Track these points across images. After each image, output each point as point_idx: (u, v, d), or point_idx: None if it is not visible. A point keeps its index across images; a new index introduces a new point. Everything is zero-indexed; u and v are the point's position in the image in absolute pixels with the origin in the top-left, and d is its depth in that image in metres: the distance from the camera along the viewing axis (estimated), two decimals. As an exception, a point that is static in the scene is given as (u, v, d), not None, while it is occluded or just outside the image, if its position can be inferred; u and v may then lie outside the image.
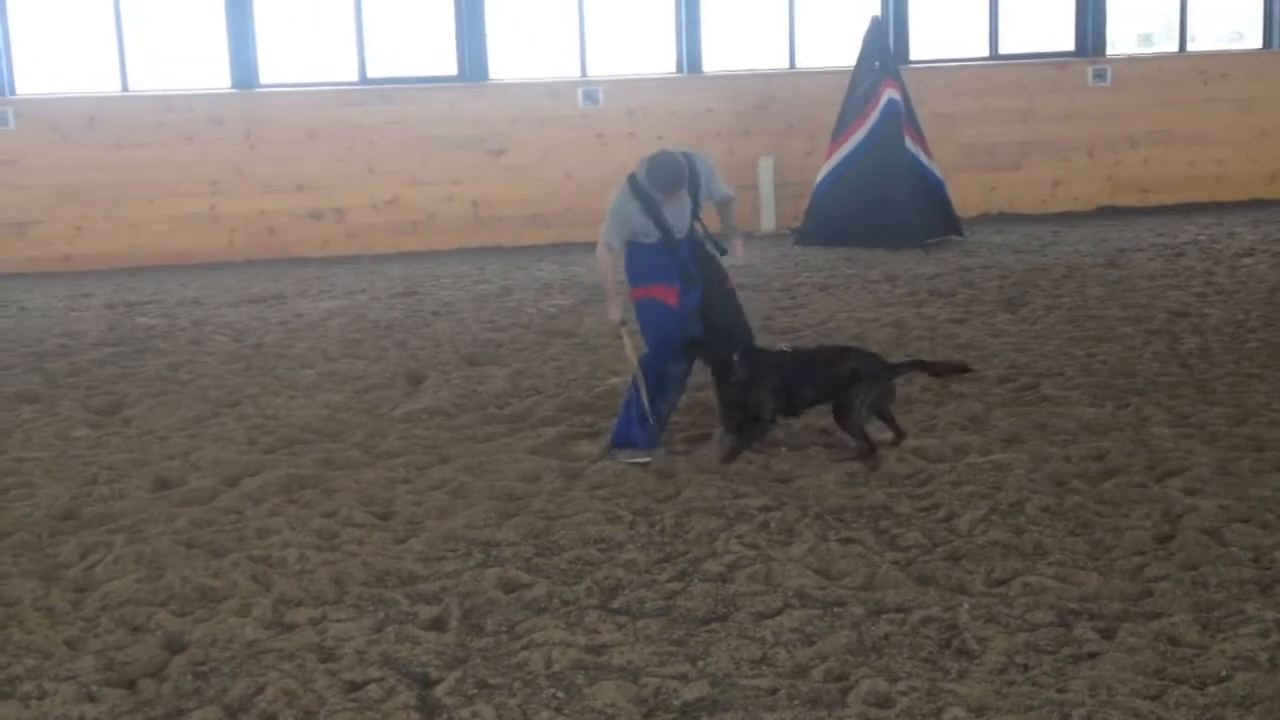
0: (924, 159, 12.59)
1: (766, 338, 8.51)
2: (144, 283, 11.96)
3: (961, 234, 12.75)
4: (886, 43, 13.15)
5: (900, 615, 4.23)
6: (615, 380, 7.42)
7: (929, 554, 4.77)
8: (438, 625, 4.31)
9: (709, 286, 6.36)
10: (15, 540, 5.15)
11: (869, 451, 5.87)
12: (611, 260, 6.29)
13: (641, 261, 6.31)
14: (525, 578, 4.67)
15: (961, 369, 6.76)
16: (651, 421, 6.12)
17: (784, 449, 6.10)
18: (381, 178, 13.58)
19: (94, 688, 3.86)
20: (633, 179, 6.36)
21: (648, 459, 6.02)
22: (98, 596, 4.55)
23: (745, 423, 6.01)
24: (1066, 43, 15.00)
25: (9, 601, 4.55)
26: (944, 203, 12.75)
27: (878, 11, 13.85)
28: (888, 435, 6.07)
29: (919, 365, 6.54)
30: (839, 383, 5.96)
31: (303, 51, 13.89)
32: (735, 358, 5.97)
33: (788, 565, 4.67)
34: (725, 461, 5.93)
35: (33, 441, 6.67)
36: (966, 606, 4.27)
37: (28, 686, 3.87)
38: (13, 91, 13.08)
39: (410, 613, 4.40)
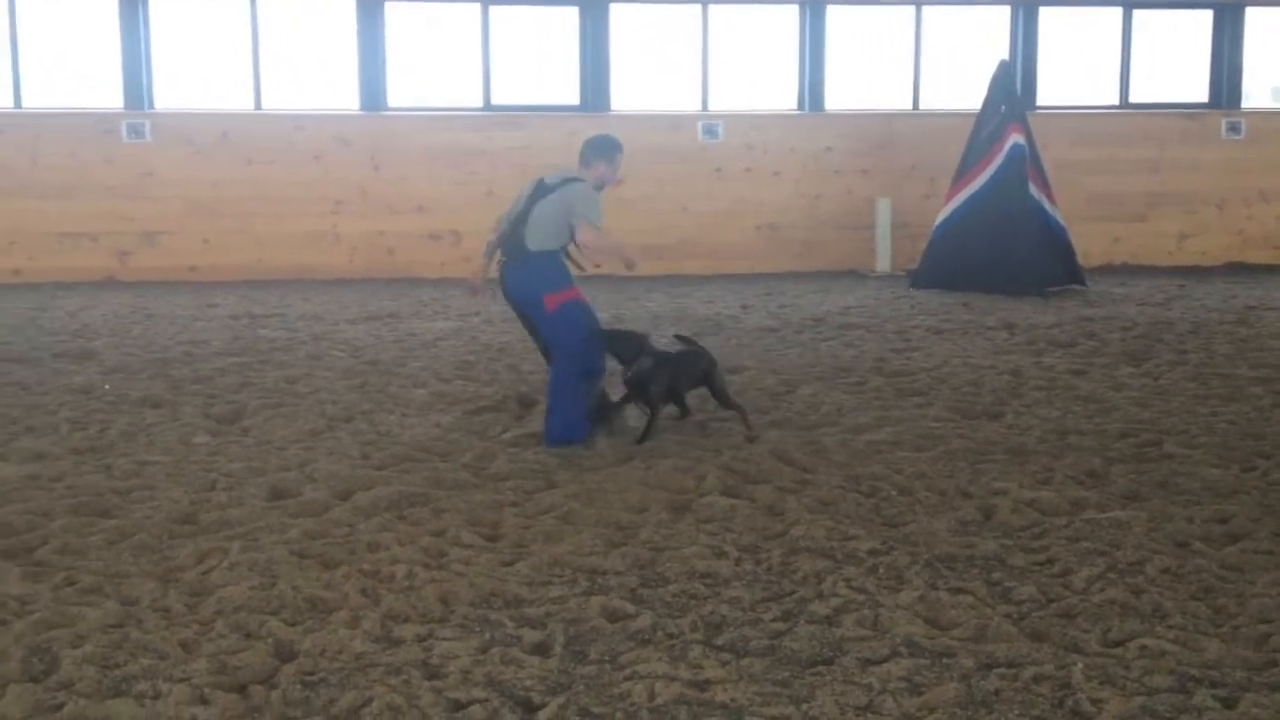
0: (1047, 206, 12.42)
1: (878, 380, 8.43)
2: (267, 296, 12.27)
3: (1084, 284, 12.54)
4: (1014, 86, 13.01)
5: (1012, 670, 4.12)
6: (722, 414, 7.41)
7: (1043, 609, 4.65)
8: (542, 650, 4.30)
9: None
10: (136, 541, 5.28)
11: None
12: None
13: (554, 267, 6.92)
14: (630, 608, 4.65)
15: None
16: (590, 411, 6.95)
17: (894, 492, 6.02)
18: (500, 202, 13.75)
19: (206, 690, 3.92)
20: (574, 179, 6.99)
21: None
22: (213, 601, 4.63)
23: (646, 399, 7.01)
24: (1200, 94, 14.72)
25: (128, 600, 4.66)
26: (1067, 251, 12.55)
27: (1006, 55, 13.71)
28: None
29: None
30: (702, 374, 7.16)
31: (430, 77, 14.18)
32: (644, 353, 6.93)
33: (896, 612, 4.58)
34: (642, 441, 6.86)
35: (156, 445, 6.86)
36: (1081, 666, 4.15)
37: (143, 685, 3.95)
38: (151, 105, 13.54)
39: (515, 636, 4.40)
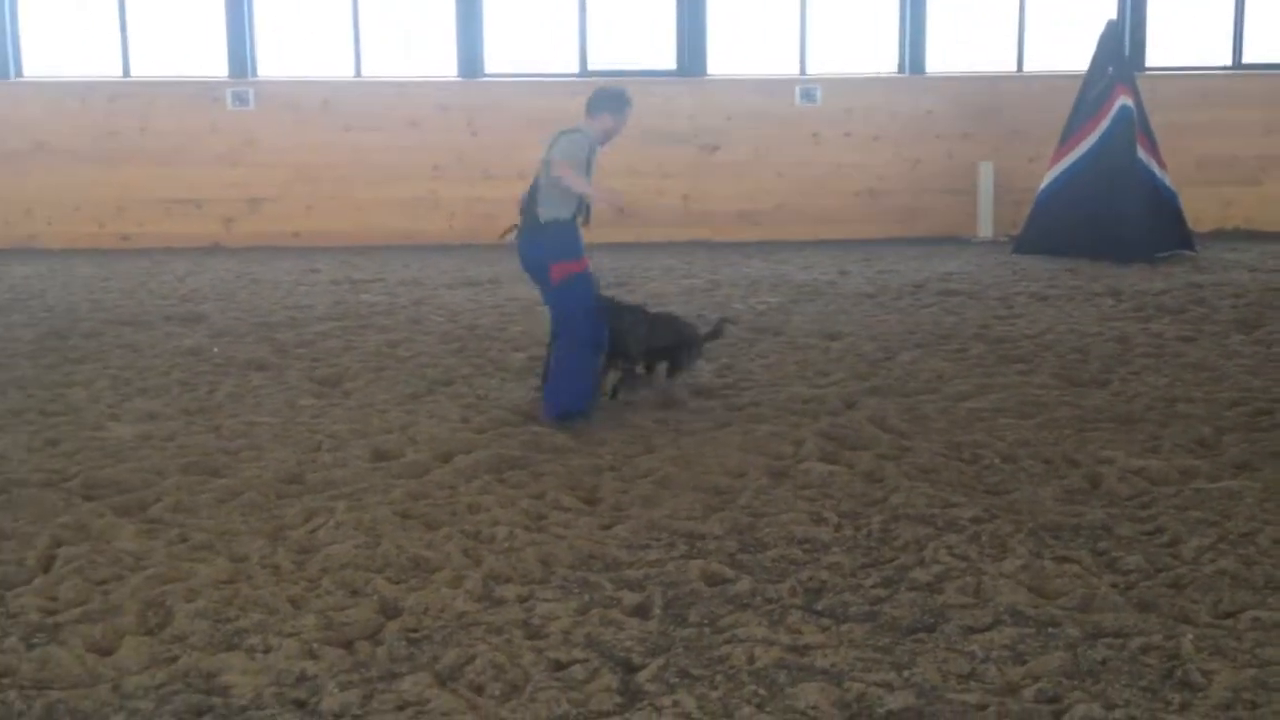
0: (1156, 170, 12.09)
1: (980, 347, 8.30)
2: (368, 261, 12.43)
3: (1194, 249, 12.21)
4: (1122, 47, 12.68)
5: (1119, 640, 4.05)
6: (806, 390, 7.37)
7: (1150, 579, 4.56)
8: (641, 612, 4.33)
9: None
10: (245, 500, 5.40)
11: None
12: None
13: (564, 237, 6.70)
14: (729, 572, 4.65)
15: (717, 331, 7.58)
16: (596, 382, 6.81)
17: (997, 460, 5.93)
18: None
19: (315, 645, 4.01)
20: (578, 130, 6.80)
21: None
22: (320, 559, 4.73)
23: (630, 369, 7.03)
24: (1317, 52, 14.20)
25: (238, 558, 4.77)
26: (1176, 216, 12.23)
27: (1114, 15, 13.36)
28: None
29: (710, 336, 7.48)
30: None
31: (527, 43, 14.19)
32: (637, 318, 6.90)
33: (999, 580, 4.53)
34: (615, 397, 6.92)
35: (263, 407, 7.00)
36: (1190, 637, 4.06)
37: (254, 640, 4.05)
38: (255, 73, 13.75)
39: (614, 598, 4.43)
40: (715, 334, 7.60)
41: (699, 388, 7.33)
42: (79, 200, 13.55)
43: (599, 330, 6.71)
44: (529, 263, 6.88)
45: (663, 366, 7.17)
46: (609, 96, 6.93)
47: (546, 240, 6.70)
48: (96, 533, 5.03)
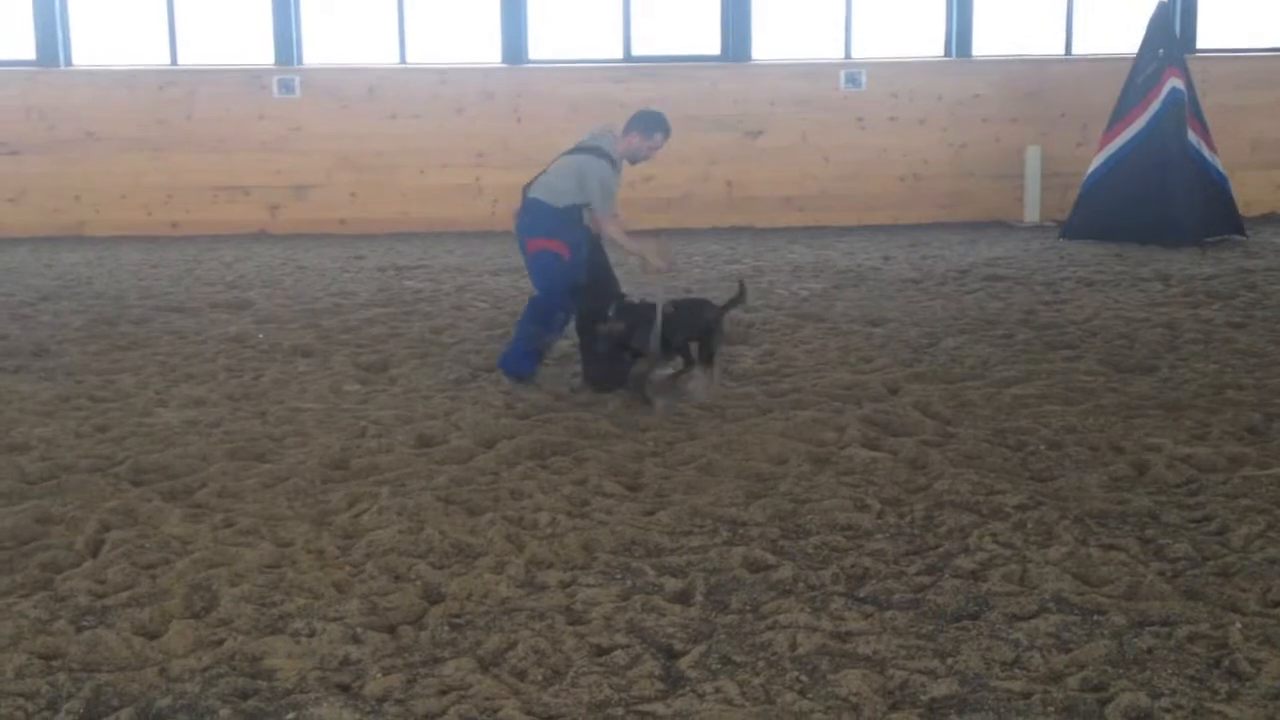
0: (1207, 153, 11.93)
1: (1026, 332, 8.23)
2: (412, 248, 12.50)
3: (1244, 234, 12.05)
4: (1173, 28, 12.51)
5: (1165, 629, 4.01)
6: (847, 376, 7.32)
7: (1198, 567, 4.50)
8: (683, 598, 4.32)
9: (592, 251, 7.05)
10: (290, 485, 5.45)
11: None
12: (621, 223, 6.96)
13: (546, 218, 6.86)
14: (771, 559, 4.64)
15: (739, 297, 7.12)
16: (537, 353, 7.09)
17: (1042, 446, 5.88)
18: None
19: (359, 630, 4.04)
20: (597, 150, 6.91)
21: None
22: (364, 544, 4.76)
23: (608, 366, 6.84)
24: (1374, 33, 13.96)
25: (284, 542, 4.81)
26: (1226, 200, 12.06)
27: (1164, -4, 13.18)
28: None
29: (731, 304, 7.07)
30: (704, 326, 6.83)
31: (571, 29, 14.18)
32: (611, 311, 6.71)
33: (1045, 568, 4.49)
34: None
35: (308, 393, 7.05)
36: (1239, 626, 4.01)
37: (298, 624, 4.08)
38: (300, 61, 13.83)
39: (657, 584, 4.43)
40: (739, 299, 7.11)
41: (740, 374, 7.32)
42: (127, 188, 13.70)
43: (557, 311, 6.94)
44: (517, 233, 7.12)
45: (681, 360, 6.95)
46: (642, 117, 7.08)
47: (529, 215, 6.93)
48: (144, 517, 5.09)
